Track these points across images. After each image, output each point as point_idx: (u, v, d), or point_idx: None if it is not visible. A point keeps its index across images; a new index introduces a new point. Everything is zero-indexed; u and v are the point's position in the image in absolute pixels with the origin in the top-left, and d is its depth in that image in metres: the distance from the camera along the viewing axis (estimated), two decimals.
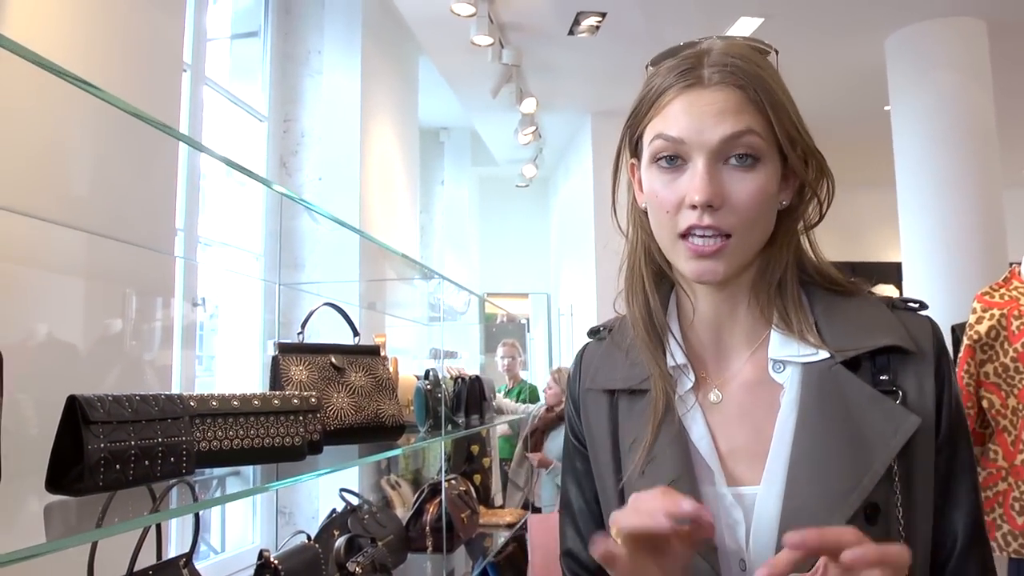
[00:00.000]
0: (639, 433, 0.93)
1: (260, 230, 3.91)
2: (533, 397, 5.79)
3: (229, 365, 3.73)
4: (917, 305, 0.93)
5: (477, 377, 3.27)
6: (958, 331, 3.02)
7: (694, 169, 0.86)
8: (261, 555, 1.89)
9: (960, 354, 2.78)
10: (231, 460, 1.47)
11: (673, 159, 0.88)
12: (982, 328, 2.69)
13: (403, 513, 3.12)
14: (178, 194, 2.72)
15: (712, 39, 0.91)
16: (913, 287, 4.64)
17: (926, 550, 0.86)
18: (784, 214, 0.93)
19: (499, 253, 9.33)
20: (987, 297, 2.73)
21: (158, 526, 1.57)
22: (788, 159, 0.89)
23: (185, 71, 3.09)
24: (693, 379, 0.95)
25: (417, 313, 4.14)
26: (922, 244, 4.57)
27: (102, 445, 1.12)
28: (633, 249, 1.00)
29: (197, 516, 1.60)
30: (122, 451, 1.15)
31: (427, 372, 2.60)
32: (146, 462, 1.20)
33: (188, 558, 1.61)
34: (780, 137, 0.87)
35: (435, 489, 3.07)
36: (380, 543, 2.16)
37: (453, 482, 3.18)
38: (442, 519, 2.85)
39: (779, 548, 0.75)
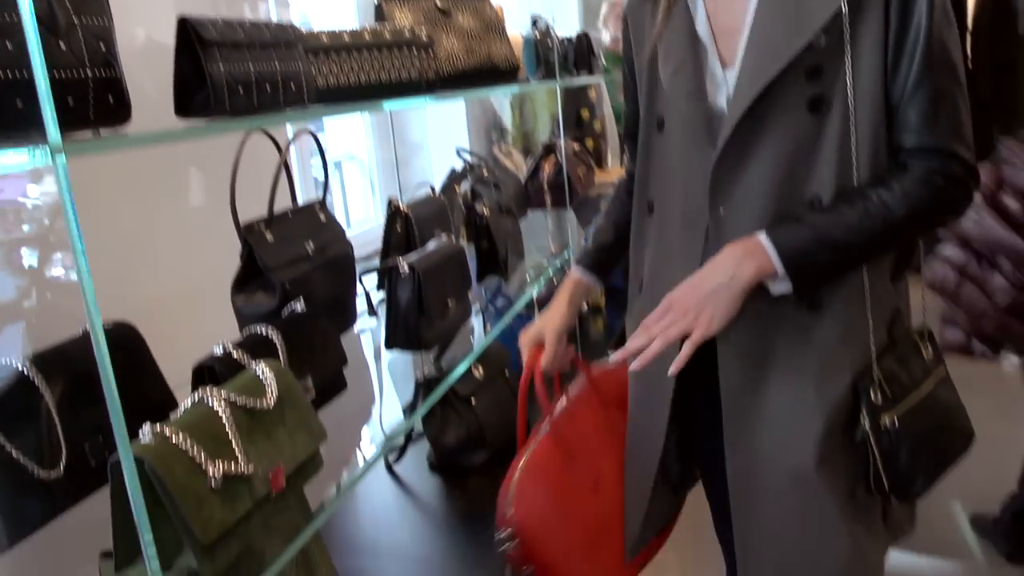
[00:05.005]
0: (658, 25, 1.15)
1: None
2: None
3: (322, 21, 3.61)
4: None
5: (584, 33, 3.10)
6: None
7: None
8: (391, 203, 1.94)
9: None
10: (349, 95, 1.44)
11: None
12: None
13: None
14: None
15: None
16: None
17: (879, 108, 1.01)
18: None
19: None
20: None
21: (288, 173, 1.59)
22: None
23: None
24: None
25: None
26: None
27: (221, 67, 1.08)
28: None
29: (324, 161, 1.61)
30: (243, 75, 1.12)
31: (534, 20, 2.45)
32: (268, 88, 1.17)
33: (322, 203, 1.65)
34: None
35: (549, 149, 3.05)
36: (503, 192, 2.18)
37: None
38: (561, 175, 2.85)
39: (732, 103, 1.04)
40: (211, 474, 0.87)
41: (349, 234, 1.64)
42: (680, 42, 1.11)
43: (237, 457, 0.92)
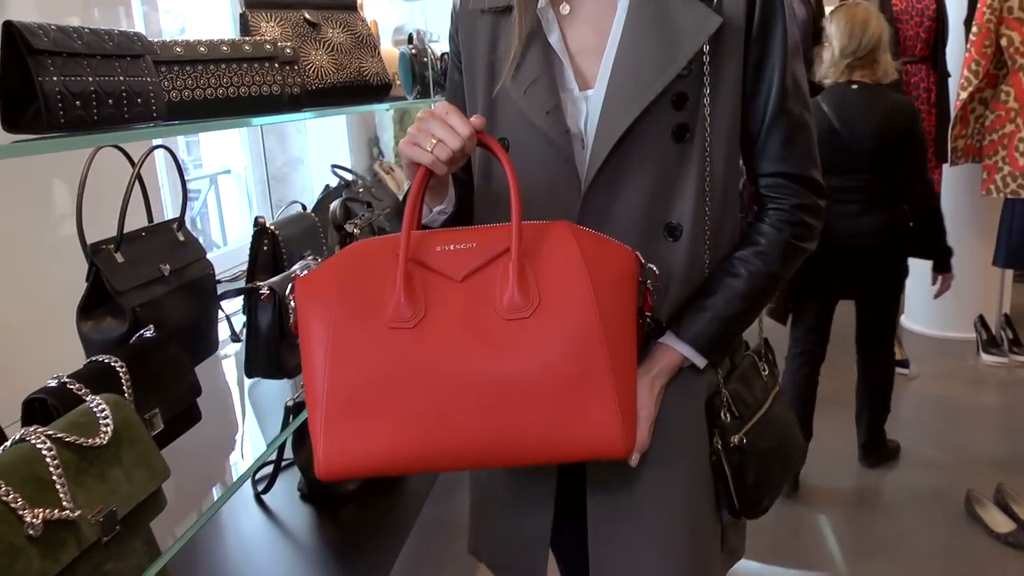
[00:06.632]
0: (510, 44, 1.06)
1: None
2: None
3: (196, 27, 3.48)
4: None
5: None
6: None
7: None
8: (256, 222, 1.86)
9: None
10: (205, 110, 1.37)
11: None
12: None
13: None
14: None
15: None
16: None
17: (733, 137, 1.05)
18: None
19: None
20: None
21: (144, 190, 1.50)
22: None
23: None
24: None
25: None
26: None
27: (55, 78, 1.01)
28: None
29: (182, 177, 1.53)
30: (80, 87, 1.04)
31: (410, 36, 2.42)
32: (110, 102, 1.09)
33: (180, 222, 1.57)
34: None
35: None
36: (376, 211, 2.13)
37: None
38: None
39: (600, 129, 1.01)
40: (29, 521, 0.80)
41: (225, 252, 1.57)
42: (535, 58, 1.05)
43: (62, 501, 0.85)
